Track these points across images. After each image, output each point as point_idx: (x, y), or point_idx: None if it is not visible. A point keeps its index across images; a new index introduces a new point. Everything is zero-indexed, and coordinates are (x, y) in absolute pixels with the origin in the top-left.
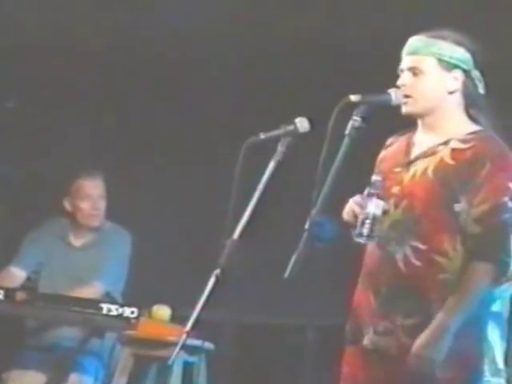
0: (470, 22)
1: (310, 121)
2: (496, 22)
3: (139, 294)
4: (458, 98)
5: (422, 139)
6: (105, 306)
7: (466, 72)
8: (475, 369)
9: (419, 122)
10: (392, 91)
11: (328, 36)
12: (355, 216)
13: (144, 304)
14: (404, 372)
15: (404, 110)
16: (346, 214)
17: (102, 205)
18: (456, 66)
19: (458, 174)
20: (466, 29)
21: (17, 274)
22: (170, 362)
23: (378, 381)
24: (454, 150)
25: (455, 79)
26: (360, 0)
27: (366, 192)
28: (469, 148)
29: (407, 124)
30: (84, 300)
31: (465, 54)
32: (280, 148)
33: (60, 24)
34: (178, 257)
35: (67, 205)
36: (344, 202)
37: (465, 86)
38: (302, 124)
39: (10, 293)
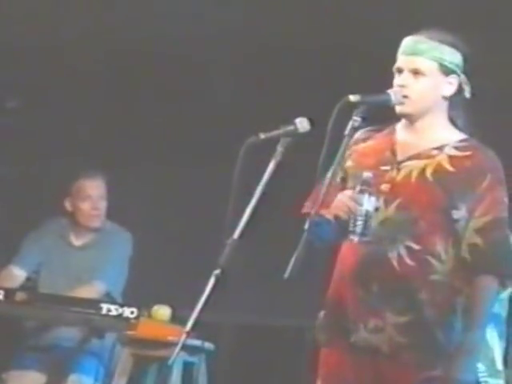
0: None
1: (310, 121)
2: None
3: (139, 294)
4: (446, 103)
5: (409, 140)
6: (104, 306)
7: (458, 76)
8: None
9: (406, 123)
10: (391, 91)
11: (328, 36)
12: (350, 212)
13: (144, 304)
14: (395, 370)
15: (400, 110)
16: (339, 209)
17: (102, 205)
18: (453, 71)
19: (459, 182)
20: (456, 29)
21: (17, 274)
22: (169, 362)
23: (366, 379)
24: (451, 156)
25: (451, 84)
26: (357, 3)
27: (357, 188)
28: (467, 157)
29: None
30: (84, 300)
31: (460, 58)
32: (280, 148)
33: (60, 24)
34: (178, 257)
35: (68, 205)
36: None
37: (456, 90)
38: (301, 124)
39: (9, 293)
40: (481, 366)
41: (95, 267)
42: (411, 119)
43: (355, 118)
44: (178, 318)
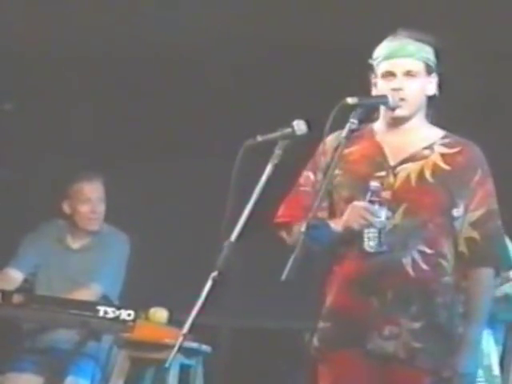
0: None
1: (308, 123)
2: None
3: (136, 296)
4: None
5: (396, 142)
6: (101, 309)
7: (436, 75)
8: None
9: (390, 125)
10: (389, 94)
11: (326, 39)
12: (366, 224)
13: (141, 306)
14: (410, 375)
15: (398, 113)
16: (353, 221)
17: (101, 208)
18: (433, 70)
19: (455, 180)
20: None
21: (14, 276)
22: (166, 364)
23: None
24: (443, 154)
25: (431, 83)
26: (357, 3)
27: (367, 199)
28: (458, 153)
29: None
30: (81, 302)
31: (435, 56)
32: (277, 150)
33: (57, 26)
34: (175, 259)
35: (66, 207)
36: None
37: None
38: (299, 126)
39: (6, 295)
40: (480, 372)
41: (92, 270)
42: (401, 121)
43: (352, 120)
44: (175, 321)
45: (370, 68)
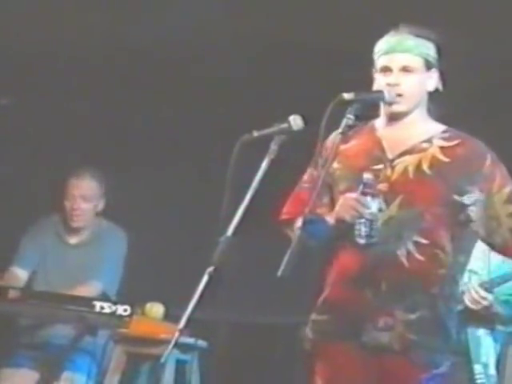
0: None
1: (304, 118)
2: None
3: (132, 291)
4: (427, 96)
5: (394, 136)
6: (98, 304)
7: (437, 70)
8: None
9: (389, 119)
10: (385, 89)
11: (322, 34)
12: (357, 216)
13: (137, 302)
14: (405, 367)
15: (395, 108)
16: (345, 213)
17: (83, 206)
18: (434, 66)
19: (457, 170)
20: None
21: (20, 274)
22: (162, 359)
23: (374, 378)
24: (442, 147)
25: (431, 78)
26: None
27: (359, 190)
28: (457, 145)
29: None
30: (77, 298)
31: (436, 52)
32: (273, 146)
33: (56, 21)
34: (172, 254)
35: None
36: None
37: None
38: (295, 122)
39: (2, 291)
40: (478, 368)
41: (91, 266)
42: (400, 116)
43: (349, 115)
44: (171, 316)
45: (372, 62)
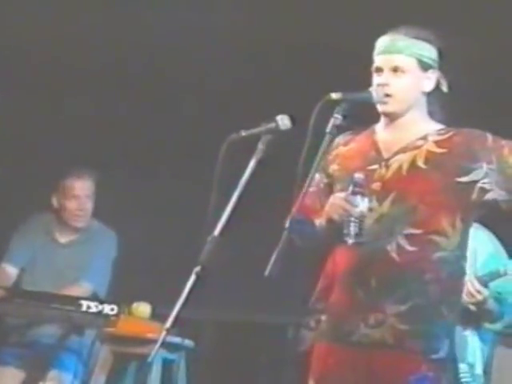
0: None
1: (291, 118)
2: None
3: (119, 290)
4: (425, 98)
5: (391, 137)
6: (84, 303)
7: (436, 71)
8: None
9: (386, 121)
10: (373, 89)
11: (310, 34)
12: (345, 215)
13: (124, 301)
14: (400, 359)
15: (383, 108)
16: (333, 212)
17: (88, 206)
18: (431, 67)
19: (459, 154)
20: (429, 24)
21: (10, 272)
22: (149, 359)
23: (366, 378)
24: (437, 141)
25: (429, 79)
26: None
27: (349, 190)
28: (453, 135)
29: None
30: (64, 297)
31: (436, 54)
32: (261, 145)
33: (50, 21)
34: (159, 254)
35: (54, 201)
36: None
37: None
38: (283, 121)
39: None
40: (464, 367)
41: (80, 265)
42: (393, 117)
43: (336, 115)
44: (157, 315)
45: (362, 62)
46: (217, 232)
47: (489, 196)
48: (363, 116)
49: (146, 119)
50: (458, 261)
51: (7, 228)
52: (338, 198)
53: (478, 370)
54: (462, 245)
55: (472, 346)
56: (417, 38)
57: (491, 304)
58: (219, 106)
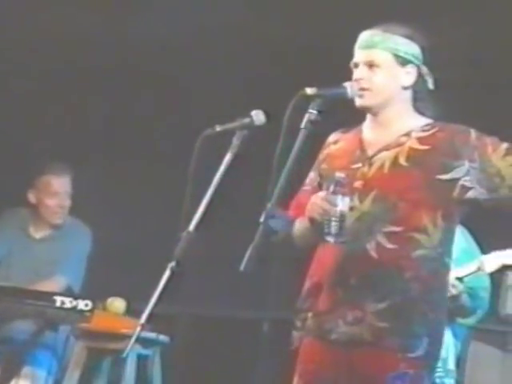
0: (419, 17)
1: (266, 114)
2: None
3: (93, 286)
4: (409, 94)
5: (375, 135)
6: (58, 299)
7: (417, 67)
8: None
9: (370, 118)
10: (347, 84)
11: (284, 30)
12: (325, 214)
13: (98, 296)
14: (378, 356)
15: (359, 102)
16: (314, 212)
17: (67, 203)
18: (410, 62)
19: (441, 151)
20: (415, 23)
21: None
22: (124, 354)
23: (346, 375)
24: (420, 138)
25: (409, 74)
26: None
27: (330, 189)
28: (436, 131)
29: (362, 118)
30: (37, 293)
31: (417, 49)
32: (236, 141)
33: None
34: (133, 249)
35: (31, 197)
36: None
37: (416, 80)
38: (257, 117)
39: None
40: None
41: (55, 261)
42: (372, 112)
43: (311, 110)
44: (132, 311)
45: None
46: (192, 227)
47: (470, 194)
48: (347, 113)
49: (120, 115)
50: (441, 258)
51: None
52: (318, 197)
53: (451, 365)
54: (445, 242)
55: (445, 341)
56: (394, 33)
57: (464, 299)
58: (194, 101)
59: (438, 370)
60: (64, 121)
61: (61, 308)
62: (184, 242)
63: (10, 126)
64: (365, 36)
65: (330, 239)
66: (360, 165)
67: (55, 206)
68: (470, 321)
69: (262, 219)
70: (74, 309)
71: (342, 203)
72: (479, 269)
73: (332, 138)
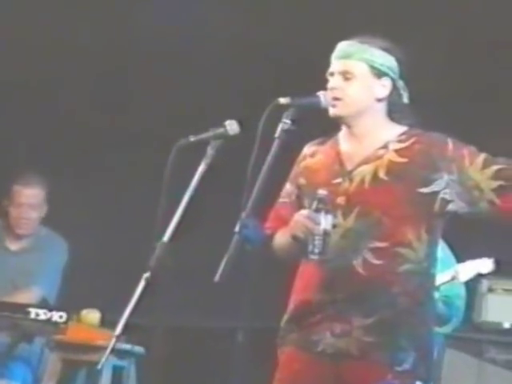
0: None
1: (240, 123)
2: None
3: (68, 298)
4: (383, 106)
5: (352, 148)
6: (33, 311)
7: (393, 80)
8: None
9: (345, 130)
10: (321, 94)
11: (259, 39)
12: (308, 232)
13: (73, 308)
14: (365, 371)
15: (332, 112)
16: (297, 230)
17: (31, 214)
18: (385, 74)
19: (419, 164)
20: (392, 37)
21: None
22: (99, 366)
23: None
24: (398, 150)
25: (384, 87)
26: (292, 6)
27: (313, 207)
28: (413, 143)
29: (336, 127)
30: (12, 305)
31: (394, 63)
32: (210, 151)
33: None
34: (108, 260)
35: (4, 207)
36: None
37: (391, 94)
38: (231, 127)
39: None
40: None
41: (31, 272)
42: (346, 122)
43: (285, 120)
44: (107, 322)
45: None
46: (166, 237)
47: (450, 207)
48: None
49: (96, 123)
50: (427, 271)
51: None
52: (301, 215)
53: None
54: (430, 255)
55: None
56: (371, 45)
57: (440, 307)
58: (168, 112)
59: None
60: (39, 131)
61: (35, 320)
62: (158, 253)
63: None
64: (342, 46)
65: (314, 257)
66: (340, 180)
67: (17, 216)
68: (446, 329)
69: (236, 229)
70: (48, 320)
71: (325, 221)
72: (454, 277)
73: (308, 149)
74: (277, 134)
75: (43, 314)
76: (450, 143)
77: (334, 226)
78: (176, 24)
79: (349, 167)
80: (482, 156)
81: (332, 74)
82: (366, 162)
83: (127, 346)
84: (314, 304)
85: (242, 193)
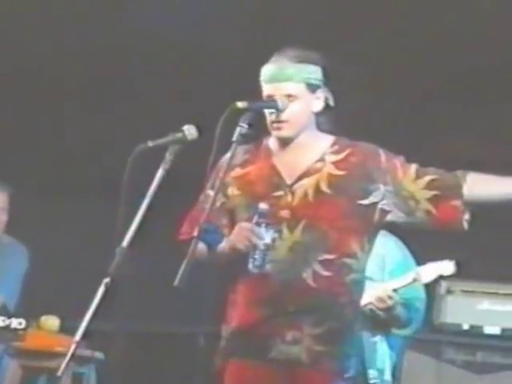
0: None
1: (198, 128)
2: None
3: (27, 304)
4: (314, 116)
5: (289, 160)
6: None
7: (323, 89)
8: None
9: (278, 141)
10: (278, 98)
11: (217, 43)
12: (250, 246)
13: (32, 315)
14: (314, 379)
15: (279, 134)
16: (238, 242)
17: (2, 218)
18: (318, 87)
19: (356, 176)
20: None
21: None
22: (59, 373)
23: None
24: (335, 162)
25: (318, 99)
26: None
27: (254, 220)
28: (348, 155)
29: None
30: None
31: (320, 72)
32: (168, 156)
33: None
34: (67, 266)
35: None
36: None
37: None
38: (189, 131)
39: None
40: (373, 373)
41: None
42: (288, 141)
43: (242, 124)
44: (66, 328)
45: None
46: (125, 243)
47: (389, 217)
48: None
49: (57, 128)
50: (364, 280)
51: None
52: (244, 228)
53: (387, 375)
54: (367, 262)
55: (381, 352)
56: (302, 61)
57: (399, 310)
58: (128, 114)
59: (375, 381)
60: (4, 136)
61: None
62: (118, 258)
63: None
64: (275, 69)
65: (254, 270)
66: (282, 193)
67: None
68: (406, 332)
69: (195, 233)
70: (7, 327)
71: (267, 235)
72: (415, 280)
73: (235, 159)
74: (234, 138)
75: (2, 321)
76: (383, 154)
77: (274, 241)
78: (130, 29)
79: (288, 181)
80: (414, 166)
81: (272, 97)
82: (306, 175)
83: (87, 352)
84: (262, 318)
85: (199, 196)
